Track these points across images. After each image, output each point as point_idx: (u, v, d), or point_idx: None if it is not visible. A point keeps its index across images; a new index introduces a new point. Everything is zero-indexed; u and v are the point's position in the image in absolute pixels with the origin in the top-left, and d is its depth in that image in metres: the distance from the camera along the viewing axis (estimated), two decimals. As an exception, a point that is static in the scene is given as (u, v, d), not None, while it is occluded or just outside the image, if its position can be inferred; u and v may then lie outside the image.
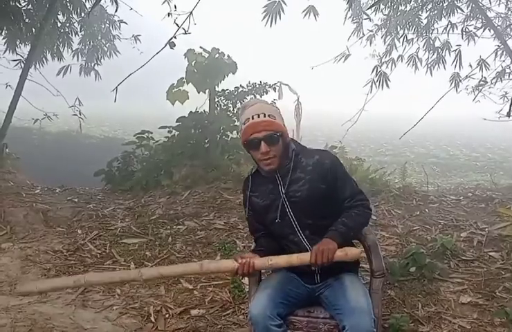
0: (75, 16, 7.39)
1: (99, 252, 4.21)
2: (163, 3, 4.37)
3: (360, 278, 2.32)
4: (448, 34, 6.94)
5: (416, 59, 7.23)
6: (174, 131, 6.65)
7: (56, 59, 7.66)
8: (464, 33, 6.85)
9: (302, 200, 2.16)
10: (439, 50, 7.09)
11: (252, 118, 2.14)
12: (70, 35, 7.67)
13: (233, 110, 6.81)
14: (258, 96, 6.75)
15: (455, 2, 6.62)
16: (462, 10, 6.74)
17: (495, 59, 6.79)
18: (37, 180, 6.84)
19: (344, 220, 2.14)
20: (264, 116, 2.14)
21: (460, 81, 6.87)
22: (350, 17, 7.32)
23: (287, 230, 2.20)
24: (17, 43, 6.94)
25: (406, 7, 7.18)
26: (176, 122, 6.65)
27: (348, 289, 2.12)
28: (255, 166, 2.30)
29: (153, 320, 3.10)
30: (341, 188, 2.18)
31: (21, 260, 4.01)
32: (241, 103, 6.81)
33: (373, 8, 6.93)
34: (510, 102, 4.13)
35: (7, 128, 6.92)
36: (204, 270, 2.17)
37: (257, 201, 2.26)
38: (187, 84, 6.74)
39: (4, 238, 4.43)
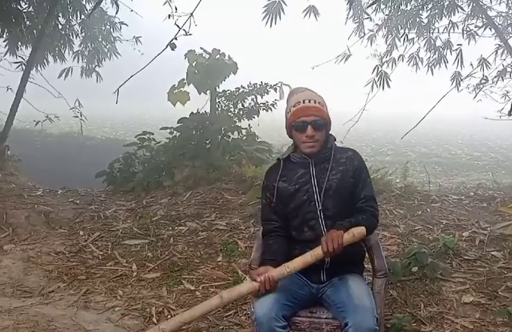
0: (74, 18, 7.42)
1: (102, 253, 4.22)
2: (164, 4, 4.37)
3: (364, 280, 2.32)
4: (448, 33, 6.93)
5: (417, 59, 7.22)
6: (175, 131, 6.65)
7: (57, 60, 7.68)
8: (465, 32, 6.84)
9: (333, 189, 2.24)
10: (440, 49, 7.09)
11: (303, 102, 2.27)
12: (71, 37, 7.70)
13: (234, 110, 6.81)
14: (259, 97, 6.76)
15: (456, 1, 6.61)
16: (463, 9, 6.73)
17: (495, 58, 6.78)
18: (38, 181, 6.85)
19: (351, 220, 2.20)
20: (315, 102, 2.28)
21: (461, 80, 6.86)
22: (351, 17, 7.32)
23: (310, 215, 2.25)
24: (18, 45, 6.96)
25: (407, 6, 7.17)
26: (177, 123, 6.65)
27: (351, 287, 2.15)
28: (286, 152, 2.39)
29: (155, 321, 3.10)
30: (360, 188, 2.29)
31: (23, 262, 4.02)
32: (242, 104, 6.82)
33: (373, 7, 6.93)
34: (511, 100, 4.12)
35: (9, 130, 6.94)
36: (226, 301, 2.21)
37: (284, 186, 2.31)
38: (188, 85, 6.75)
39: (6, 240, 4.44)
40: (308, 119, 2.23)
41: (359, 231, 2.10)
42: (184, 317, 2.28)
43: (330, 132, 2.36)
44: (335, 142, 2.37)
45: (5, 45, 6.88)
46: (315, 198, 2.25)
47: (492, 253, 3.82)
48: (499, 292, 3.22)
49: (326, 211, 2.23)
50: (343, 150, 2.37)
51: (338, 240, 2.05)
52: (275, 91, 6.77)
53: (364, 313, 2.02)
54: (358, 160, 2.32)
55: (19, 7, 6.48)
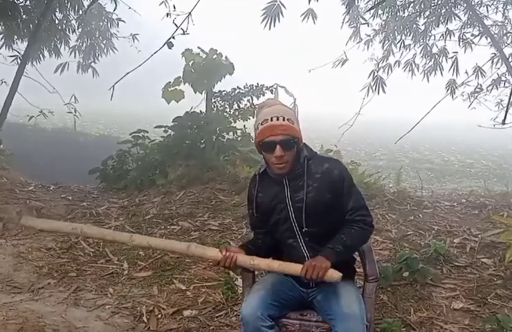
0: (72, 13, 7.38)
1: (93, 250, 4.20)
2: (161, 3, 4.35)
3: (355, 285, 2.32)
4: (445, 40, 6.98)
5: (413, 65, 7.26)
6: (169, 130, 6.64)
7: (53, 55, 7.63)
8: (461, 40, 6.89)
9: (307, 206, 2.13)
10: (436, 56, 7.13)
11: (271, 120, 2.10)
12: (67, 32, 7.65)
13: (229, 111, 6.82)
14: (255, 98, 6.77)
15: (453, 9, 6.66)
16: (459, 18, 6.77)
17: (491, 67, 6.82)
18: (30, 177, 6.82)
19: (343, 237, 2.11)
20: (283, 120, 2.11)
21: (456, 87, 6.91)
22: (348, 22, 7.34)
23: (287, 234, 2.20)
24: (14, 39, 6.91)
25: (404, 13, 7.21)
26: (172, 121, 6.64)
27: (341, 295, 2.12)
28: (263, 166, 2.27)
29: (145, 320, 3.10)
30: (346, 199, 2.16)
31: (13, 257, 3.99)
32: (237, 104, 6.83)
33: (371, 12, 6.95)
34: (505, 109, 4.15)
35: (2, 124, 6.88)
36: (190, 252, 2.22)
37: (261, 202, 2.25)
38: (184, 83, 6.74)
39: (-3, 234, 4.41)
40: (277, 138, 2.06)
41: (338, 276, 1.98)
42: (153, 242, 2.42)
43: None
44: (310, 155, 2.20)
45: (1, 39, 6.83)
46: (290, 218, 2.16)
47: (483, 260, 3.85)
48: (489, 299, 3.25)
49: (301, 230, 2.16)
50: (320, 162, 2.18)
51: (319, 273, 1.96)
52: (271, 93, 6.78)
53: (353, 322, 2.01)
54: (337, 173, 2.14)
55: (16, 0, 6.44)
